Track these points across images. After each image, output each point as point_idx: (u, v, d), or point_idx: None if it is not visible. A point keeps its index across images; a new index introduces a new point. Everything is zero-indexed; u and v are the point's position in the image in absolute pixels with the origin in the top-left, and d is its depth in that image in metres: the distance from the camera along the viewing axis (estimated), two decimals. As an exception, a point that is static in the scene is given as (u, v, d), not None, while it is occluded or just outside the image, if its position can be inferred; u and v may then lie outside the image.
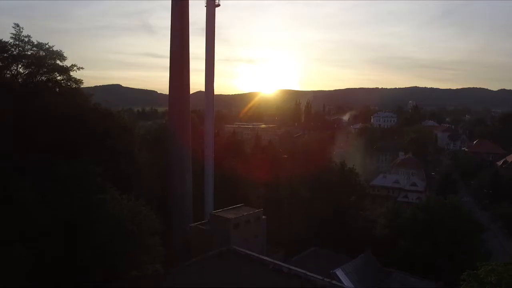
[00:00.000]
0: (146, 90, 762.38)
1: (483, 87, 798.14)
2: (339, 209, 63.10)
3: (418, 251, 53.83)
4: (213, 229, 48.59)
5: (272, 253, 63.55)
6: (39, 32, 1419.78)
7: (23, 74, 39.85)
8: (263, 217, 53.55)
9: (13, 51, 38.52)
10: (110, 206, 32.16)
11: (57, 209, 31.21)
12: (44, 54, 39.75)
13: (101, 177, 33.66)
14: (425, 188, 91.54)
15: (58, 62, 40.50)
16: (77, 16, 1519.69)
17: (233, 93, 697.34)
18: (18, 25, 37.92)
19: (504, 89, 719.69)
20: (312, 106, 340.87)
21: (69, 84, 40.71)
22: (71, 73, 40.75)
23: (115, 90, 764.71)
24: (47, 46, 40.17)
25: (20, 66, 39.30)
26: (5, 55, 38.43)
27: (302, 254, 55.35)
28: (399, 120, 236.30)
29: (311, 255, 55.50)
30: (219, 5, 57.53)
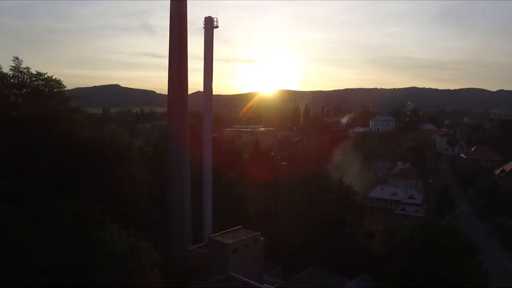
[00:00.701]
0: (145, 90, 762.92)
1: (481, 87, 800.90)
2: (337, 226, 63.45)
3: (415, 270, 54.13)
4: (211, 253, 48.88)
5: (270, 268, 64.31)
6: (39, 32, 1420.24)
7: (22, 104, 40.13)
8: (262, 238, 53.86)
9: (13, 82, 38.86)
10: (109, 243, 32.46)
11: (57, 248, 31.50)
12: (43, 83, 40.06)
13: (101, 213, 33.97)
14: (422, 201, 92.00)
15: (56, 90, 40.87)
16: (77, 16, 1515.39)
17: (233, 93, 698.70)
18: (17, 58, 38.31)
19: (502, 89, 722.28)
20: (311, 109, 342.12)
21: (69, 113, 40.97)
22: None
23: (114, 90, 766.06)
24: (45, 75, 40.47)
25: (19, 96, 39.64)
26: (4, 85, 38.76)
27: (301, 274, 55.71)
28: (398, 123, 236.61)
29: (309, 275, 55.80)
30: (217, 26, 57.80)
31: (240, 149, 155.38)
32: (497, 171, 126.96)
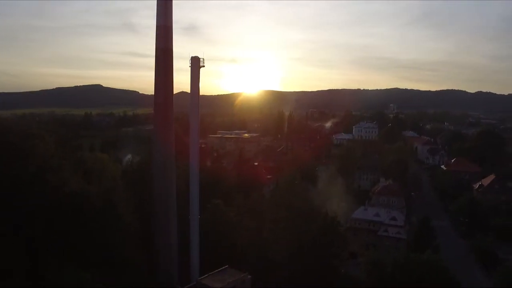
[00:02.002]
0: (128, 90, 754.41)
1: (461, 89, 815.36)
2: (322, 258, 64.74)
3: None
4: (199, 297, 49.48)
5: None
6: (18, 29, 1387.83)
7: (8, 164, 39.75)
8: (248, 277, 54.71)
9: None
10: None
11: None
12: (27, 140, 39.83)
13: (91, 281, 34.27)
14: (404, 222, 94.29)
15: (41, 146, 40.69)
16: (57, 14, 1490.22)
17: (217, 94, 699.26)
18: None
19: (480, 91, 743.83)
20: (295, 110, 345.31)
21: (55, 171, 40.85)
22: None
23: (96, 90, 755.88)
24: (31, 132, 40.24)
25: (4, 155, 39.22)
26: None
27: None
28: (380, 130, 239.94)
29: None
30: (203, 66, 58.37)
31: (224, 162, 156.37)
32: (476, 185, 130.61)
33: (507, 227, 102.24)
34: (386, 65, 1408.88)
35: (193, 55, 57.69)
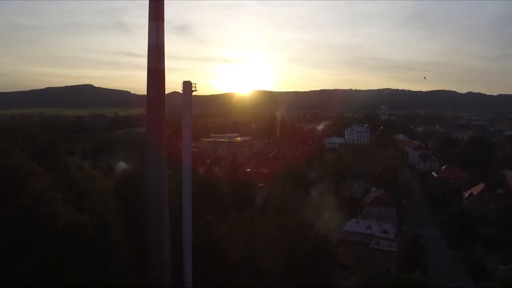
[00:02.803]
0: (119, 90, 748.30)
1: (451, 89, 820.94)
2: (315, 276, 65.31)
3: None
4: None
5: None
6: (6, 28, 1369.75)
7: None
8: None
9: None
10: None
11: None
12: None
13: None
14: (395, 235, 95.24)
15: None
16: (48, 12, 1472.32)
17: (210, 94, 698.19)
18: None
19: (471, 92, 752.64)
20: (287, 110, 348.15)
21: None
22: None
23: (87, 90, 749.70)
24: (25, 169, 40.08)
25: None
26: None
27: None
28: (372, 133, 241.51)
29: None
30: (195, 90, 58.36)
31: (217, 170, 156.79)
32: (466, 194, 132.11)
33: (495, 237, 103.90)
34: (378, 65, 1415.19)
35: (185, 80, 57.41)
